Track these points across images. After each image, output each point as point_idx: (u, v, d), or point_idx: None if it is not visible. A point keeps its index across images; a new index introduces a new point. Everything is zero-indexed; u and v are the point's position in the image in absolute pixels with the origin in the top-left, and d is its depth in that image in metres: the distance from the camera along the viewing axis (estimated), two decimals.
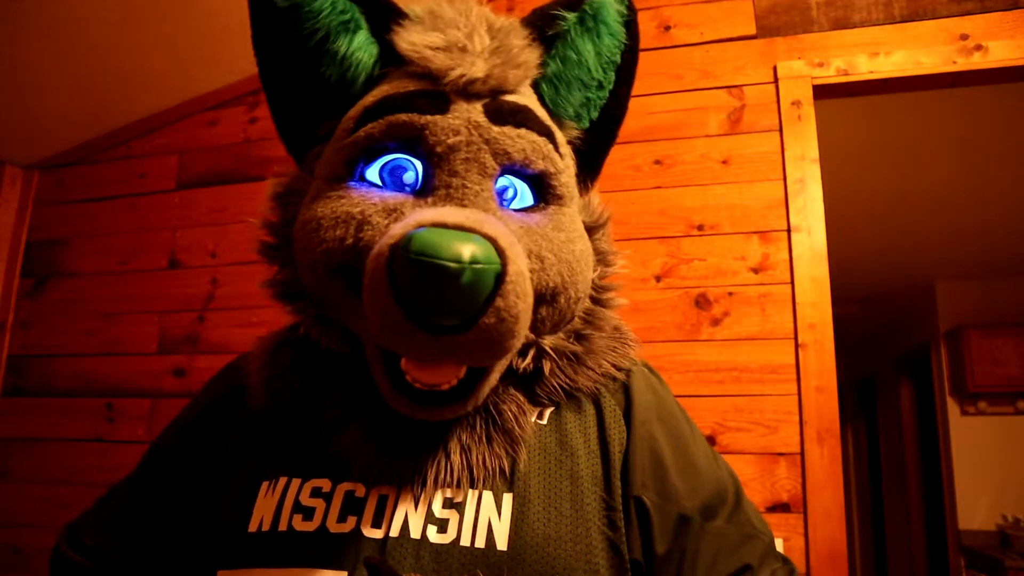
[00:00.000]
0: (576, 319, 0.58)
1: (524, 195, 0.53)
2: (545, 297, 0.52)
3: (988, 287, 3.96)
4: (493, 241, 0.42)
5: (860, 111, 2.15)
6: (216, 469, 0.57)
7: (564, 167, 0.55)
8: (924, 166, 2.62)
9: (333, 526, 0.48)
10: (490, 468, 0.50)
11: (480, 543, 0.47)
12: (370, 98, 0.53)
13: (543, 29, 0.57)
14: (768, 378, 1.41)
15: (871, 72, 1.50)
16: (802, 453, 1.35)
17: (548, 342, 0.55)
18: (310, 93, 0.56)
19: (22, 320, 1.99)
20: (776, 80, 1.54)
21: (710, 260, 1.50)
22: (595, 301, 0.59)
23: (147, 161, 2.00)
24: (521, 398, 0.54)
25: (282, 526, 0.49)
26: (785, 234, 1.46)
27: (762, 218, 1.49)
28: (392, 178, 0.51)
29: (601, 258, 0.61)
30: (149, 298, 1.88)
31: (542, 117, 0.54)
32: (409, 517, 0.48)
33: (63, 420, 1.87)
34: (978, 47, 1.47)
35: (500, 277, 0.42)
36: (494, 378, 0.51)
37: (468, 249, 0.40)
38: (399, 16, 0.55)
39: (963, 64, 1.47)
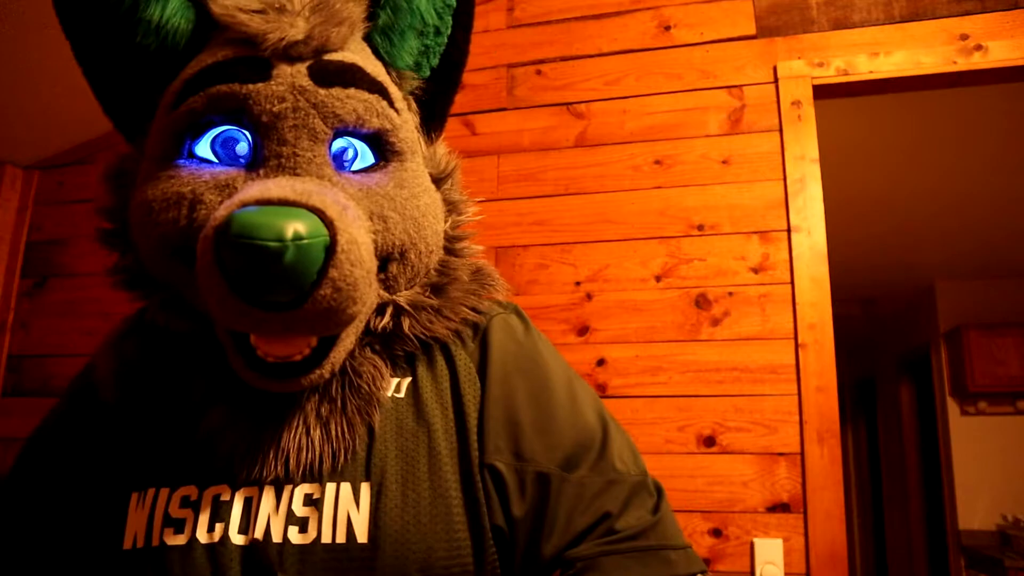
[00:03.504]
0: (432, 272, 0.57)
1: (364, 155, 0.52)
2: (393, 255, 0.52)
3: (988, 287, 3.96)
4: (320, 212, 0.41)
5: (860, 111, 2.15)
6: (82, 481, 0.54)
7: (402, 122, 0.54)
8: (924, 166, 2.62)
9: (203, 536, 0.47)
10: (349, 439, 0.49)
11: (341, 538, 0.46)
12: (190, 69, 0.51)
13: None
14: (768, 378, 1.41)
15: (871, 72, 1.50)
16: (802, 453, 1.35)
17: (404, 298, 0.54)
18: (129, 66, 0.53)
19: (22, 320, 1.99)
20: (776, 80, 1.54)
21: (710, 260, 1.50)
22: (449, 252, 0.59)
23: None
24: (378, 360, 0.53)
25: (155, 541, 0.48)
26: (785, 234, 1.46)
27: (762, 218, 1.49)
28: (225, 151, 0.50)
29: (452, 208, 0.60)
30: None
31: (372, 73, 0.53)
32: (271, 520, 0.48)
33: None
34: (978, 47, 1.47)
35: (330, 248, 0.41)
36: (349, 342, 0.50)
37: (290, 226, 0.39)
38: None
39: (963, 64, 1.47)
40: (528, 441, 0.52)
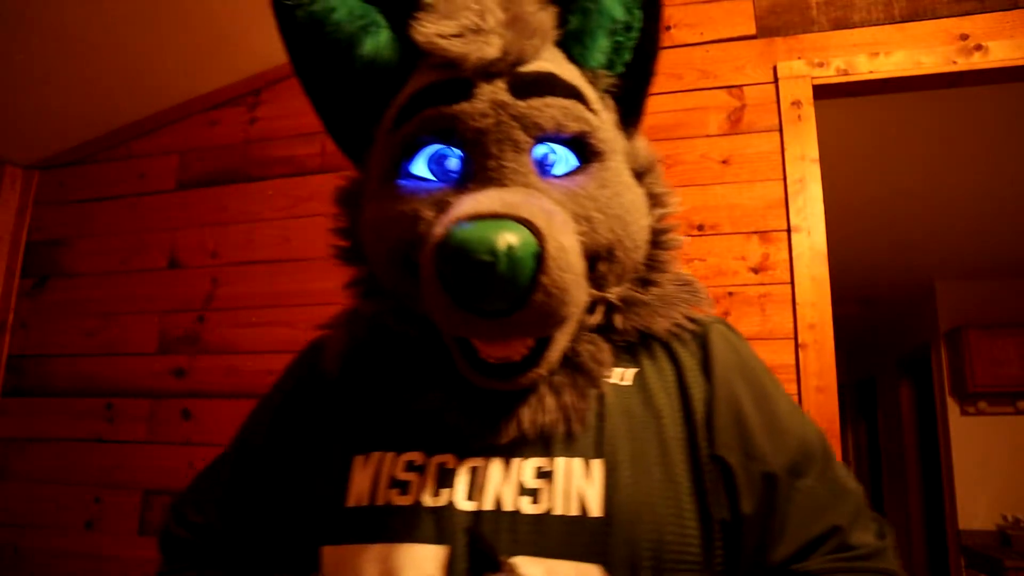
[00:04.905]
0: (640, 266, 0.59)
1: (567, 159, 0.54)
2: (601, 254, 0.54)
3: (988, 287, 3.96)
4: (528, 223, 0.44)
5: (860, 111, 2.14)
6: (307, 444, 0.59)
7: (600, 123, 0.55)
8: (924, 166, 2.62)
9: (428, 500, 0.50)
10: (581, 407, 0.52)
11: (574, 511, 0.48)
12: (402, 96, 0.56)
13: None
14: None
15: (871, 72, 1.50)
16: None
17: (615, 294, 0.56)
18: (350, 97, 0.60)
19: (22, 320, 1.99)
20: (776, 80, 1.54)
21: (710, 260, 1.50)
22: (655, 245, 0.60)
23: (147, 161, 2.00)
24: (598, 341, 0.55)
25: (379, 501, 0.51)
26: (785, 234, 1.46)
27: (762, 218, 1.49)
28: (439, 168, 0.54)
29: (655, 201, 0.61)
30: (149, 298, 1.88)
31: (568, 79, 0.54)
32: (501, 489, 0.50)
33: (63, 420, 1.87)
34: (978, 47, 1.47)
35: (540, 256, 0.43)
36: (564, 342, 0.52)
37: (502, 239, 0.42)
38: (414, 7, 0.55)
39: (963, 64, 1.47)
40: (757, 441, 0.53)
